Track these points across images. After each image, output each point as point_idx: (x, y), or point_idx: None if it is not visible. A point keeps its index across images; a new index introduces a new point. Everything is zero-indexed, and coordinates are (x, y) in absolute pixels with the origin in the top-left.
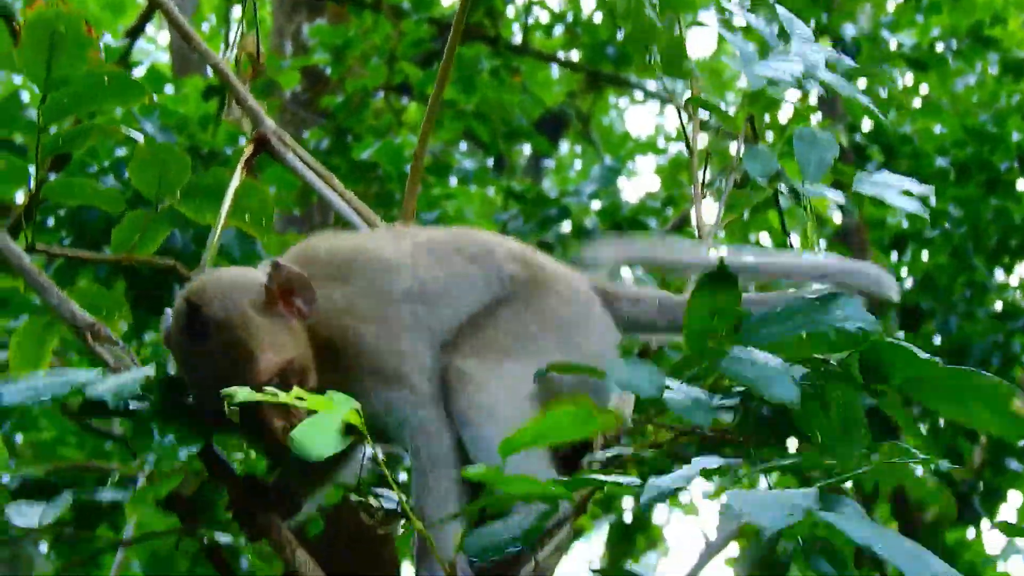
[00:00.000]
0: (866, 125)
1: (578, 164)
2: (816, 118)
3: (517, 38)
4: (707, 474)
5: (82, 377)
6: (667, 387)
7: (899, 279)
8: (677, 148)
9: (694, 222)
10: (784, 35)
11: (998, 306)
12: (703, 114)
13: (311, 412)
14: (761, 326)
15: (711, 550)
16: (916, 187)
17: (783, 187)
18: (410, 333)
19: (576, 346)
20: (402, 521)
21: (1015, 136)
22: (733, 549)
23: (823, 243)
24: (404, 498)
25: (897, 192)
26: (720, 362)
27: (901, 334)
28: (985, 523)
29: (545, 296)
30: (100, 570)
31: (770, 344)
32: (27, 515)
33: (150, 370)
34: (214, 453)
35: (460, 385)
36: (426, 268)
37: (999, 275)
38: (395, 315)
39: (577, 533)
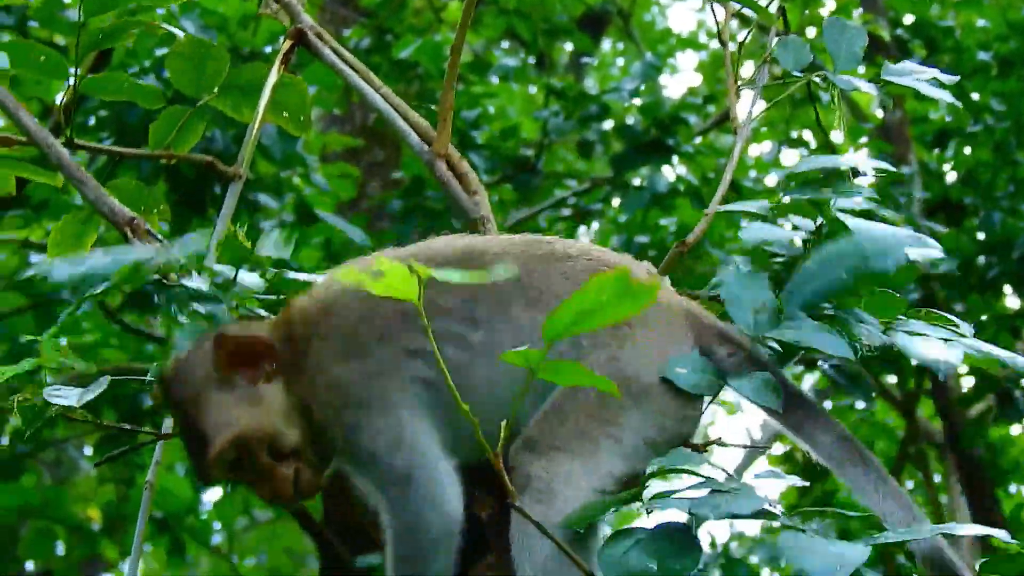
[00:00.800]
0: (908, 19)
1: (620, 62)
2: (858, 13)
3: None
4: None
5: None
6: None
7: (941, 174)
8: (719, 44)
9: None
10: None
11: None
12: (744, 11)
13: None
14: (804, 284)
15: (756, 449)
16: (944, 76)
17: (818, 80)
18: (397, 413)
19: (651, 414)
20: None
21: None
22: (778, 448)
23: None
24: None
25: (925, 81)
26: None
27: (944, 230)
28: None
29: (623, 344)
30: (142, 472)
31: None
32: (66, 396)
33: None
34: None
35: (525, 491)
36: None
37: None
38: (381, 393)
39: None
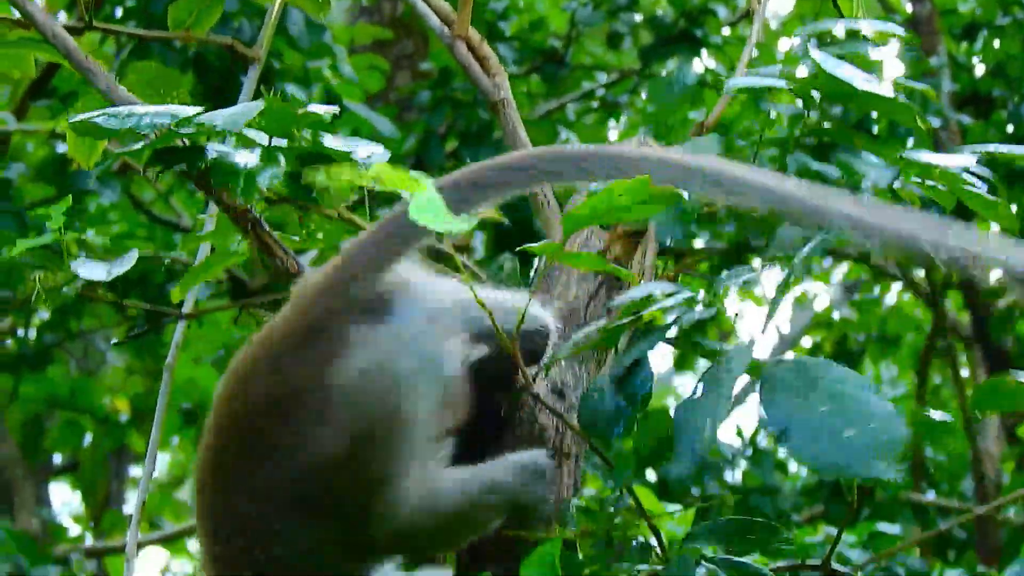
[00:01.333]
0: None
1: None
2: None
3: None
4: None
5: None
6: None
7: (970, 67)
8: None
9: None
10: None
11: None
12: None
13: None
14: None
15: (784, 343)
16: None
17: None
18: None
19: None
20: None
21: None
22: (807, 341)
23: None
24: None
25: None
26: None
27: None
28: None
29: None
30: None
31: None
32: (94, 270)
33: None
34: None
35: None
36: None
37: None
38: None
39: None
